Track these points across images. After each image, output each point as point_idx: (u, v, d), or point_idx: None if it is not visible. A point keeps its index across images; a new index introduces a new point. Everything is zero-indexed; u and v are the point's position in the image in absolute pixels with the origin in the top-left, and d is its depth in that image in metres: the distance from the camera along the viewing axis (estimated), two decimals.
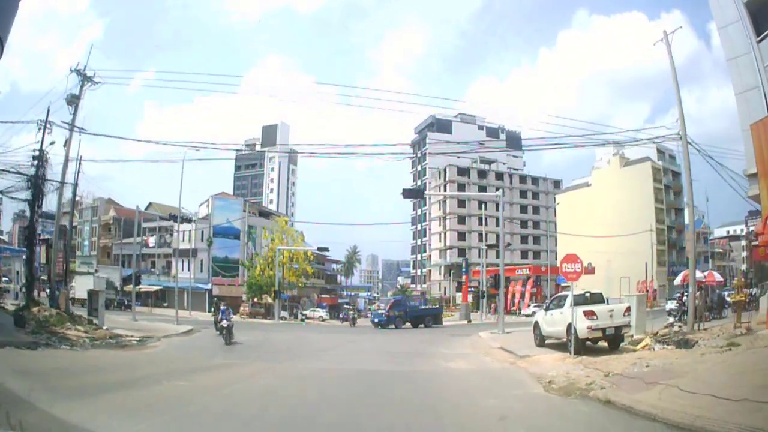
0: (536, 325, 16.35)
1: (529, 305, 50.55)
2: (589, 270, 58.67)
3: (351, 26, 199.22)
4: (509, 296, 57.71)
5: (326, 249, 40.86)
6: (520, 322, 36.67)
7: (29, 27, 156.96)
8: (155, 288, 53.48)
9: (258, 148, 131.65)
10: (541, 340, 15.80)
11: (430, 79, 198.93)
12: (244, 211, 54.21)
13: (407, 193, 26.08)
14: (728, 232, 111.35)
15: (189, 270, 51.99)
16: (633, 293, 56.76)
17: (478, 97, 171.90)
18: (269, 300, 44.01)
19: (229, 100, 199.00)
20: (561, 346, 14.79)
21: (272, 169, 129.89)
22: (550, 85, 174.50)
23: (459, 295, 79.81)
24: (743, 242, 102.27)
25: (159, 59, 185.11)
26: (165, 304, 53.26)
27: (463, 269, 48.88)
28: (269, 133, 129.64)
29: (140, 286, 54.33)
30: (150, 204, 61.86)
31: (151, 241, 57.21)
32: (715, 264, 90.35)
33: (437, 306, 45.77)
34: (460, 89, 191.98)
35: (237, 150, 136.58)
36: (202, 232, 52.62)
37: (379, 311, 35.95)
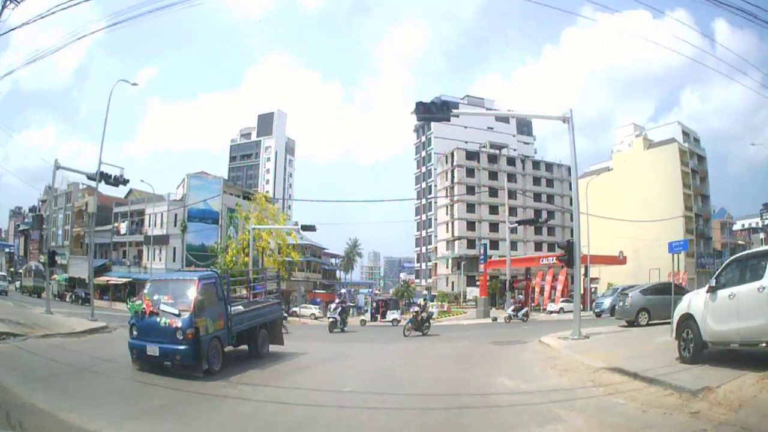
0: (686, 319, 8.75)
1: (554, 299, 43.30)
2: (621, 259, 51.58)
3: (353, 23, 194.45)
4: (529, 290, 50.61)
5: (312, 228, 32.19)
6: (560, 321, 29.40)
7: (32, 24, 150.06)
8: (124, 280, 46.43)
9: (254, 137, 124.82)
10: (697, 349, 8.36)
11: (432, 76, 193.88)
12: (226, 192, 46.55)
13: (423, 111, 14.48)
14: (743, 225, 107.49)
15: (161, 259, 45.25)
16: None
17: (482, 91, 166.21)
18: (244, 293, 35.96)
19: (232, 97, 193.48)
20: (737, 359, 7.82)
21: (268, 159, 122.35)
22: (554, 82, 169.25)
23: (470, 290, 72.87)
24: (762, 235, 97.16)
25: (161, 57, 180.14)
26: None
27: (481, 257, 41.66)
28: (265, 122, 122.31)
29: (107, 278, 48.09)
30: (131, 191, 55.00)
31: (123, 227, 50.19)
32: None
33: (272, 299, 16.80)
34: (463, 86, 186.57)
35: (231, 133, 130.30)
36: (176, 215, 45.55)
37: (157, 318, 9.91)
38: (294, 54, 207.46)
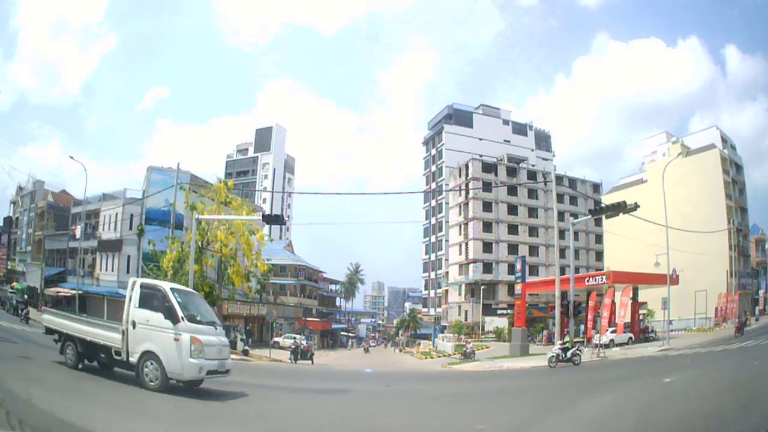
0: None
1: (615, 329, 33.83)
2: (674, 279, 42.22)
3: (364, 52, 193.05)
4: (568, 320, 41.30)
5: (278, 219, 22.36)
6: (654, 358, 20.04)
7: (40, 36, 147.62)
8: (73, 292, 38.02)
9: (251, 153, 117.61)
10: None
11: (441, 105, 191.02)
12: (196, 192, 37.37)
13: None
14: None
15: (113, 269, 36.90)
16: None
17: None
18: None
19: (243, 121, 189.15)
20: None
21: (265, 177, 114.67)
22: (565, 110, 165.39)
23: (489, 320, 63.52)
24: None
25: (169, 78, 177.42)
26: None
27: (518, 275, 32.46)
28: (263, 137, 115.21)
29: (58, 289, 40.28)
30: (104, 195, 47.23)
31: (78, 231, 41.98)
32: (767, 277, 75.67)
33: None
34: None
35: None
36: (131, 216, 37.05)
37: None
38: (304, 81, 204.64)
